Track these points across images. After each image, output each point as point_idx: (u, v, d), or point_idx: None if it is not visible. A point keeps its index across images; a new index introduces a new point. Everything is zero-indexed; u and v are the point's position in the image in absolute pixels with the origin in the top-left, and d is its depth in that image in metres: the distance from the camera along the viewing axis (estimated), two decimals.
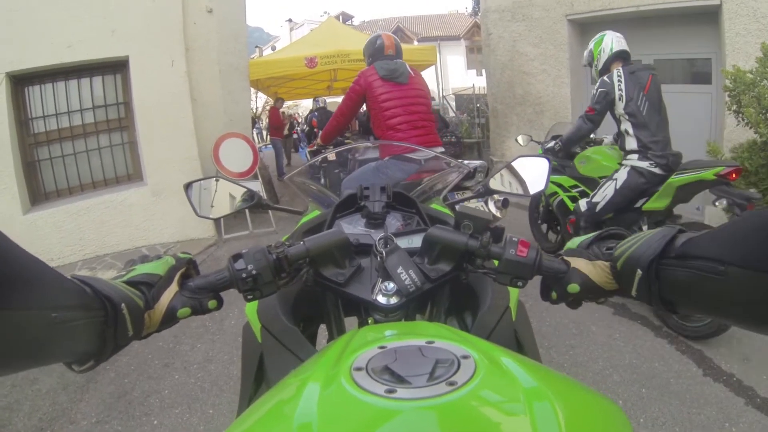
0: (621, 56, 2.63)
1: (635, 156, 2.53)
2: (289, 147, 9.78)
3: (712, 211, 3.27)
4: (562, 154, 3.08)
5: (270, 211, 4.69)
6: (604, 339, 2.38)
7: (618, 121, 2.62)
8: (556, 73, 5.20)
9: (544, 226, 3.56)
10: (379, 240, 0.66)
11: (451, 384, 0.34)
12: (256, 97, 18.57)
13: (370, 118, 2.75)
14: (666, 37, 4.64)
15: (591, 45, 2.75)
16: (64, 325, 0.40)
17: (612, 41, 2.63)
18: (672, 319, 2.36)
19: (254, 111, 17.86)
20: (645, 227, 2.61)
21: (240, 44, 5.49)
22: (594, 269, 0.56)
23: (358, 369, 0.37)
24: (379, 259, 0.64)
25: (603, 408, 0.40)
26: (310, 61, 6.57)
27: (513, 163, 0.95)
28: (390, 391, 0.34)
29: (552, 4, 5.11)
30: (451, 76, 17.93)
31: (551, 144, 3.10)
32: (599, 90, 2.59)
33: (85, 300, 0.44)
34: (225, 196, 0.94)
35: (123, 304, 0.48)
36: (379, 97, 2.57)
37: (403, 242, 0.73)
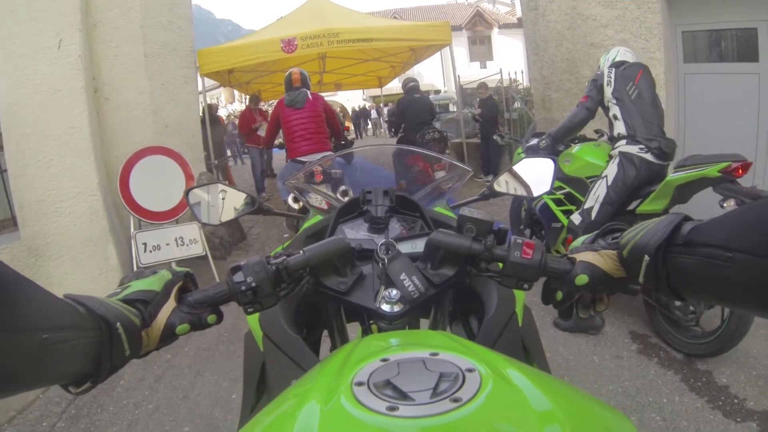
0: (618, 64, 2.59)
1: (624, 141, 2.42)
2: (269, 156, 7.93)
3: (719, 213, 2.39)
4: (547, 152, 2.74)
5: (214, 269, 3.36)
6: None
7: (606, 109, 2.57)
8: (642, 45, 3.52)
9: (527, 231, 3.30)
10: (380, 246, 0.63)
11: (456, 401, 0.33)
12: (245, 101, 16.37)
13: (283, 132, 3.80)
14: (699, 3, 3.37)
15: (601, 60, 2.73)
16: (56, 346, 0.38)
17: (618, 53, 2.64)
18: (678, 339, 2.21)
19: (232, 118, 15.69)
20: None
21: (179, 16, 3.79)
22: (601, 258, 0.56)
23: (360, 384, 0.36)
24: (381, 266, 0.62)
25: (615, 427, 0.38)
26: (288, 44, 4.90)
27: (518, 165, 0.96)
28: (392, 409, 0.32)
29: None
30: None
31: (534, 142, 2.87)
32: (590, 81, 2.63)
33: (78, 320, 0.42)
34: (227, 202, 0.92)
35: (118, 323, 0.46)
36: (285, 119, 3.68)
37: (407, 247, 0.69)
